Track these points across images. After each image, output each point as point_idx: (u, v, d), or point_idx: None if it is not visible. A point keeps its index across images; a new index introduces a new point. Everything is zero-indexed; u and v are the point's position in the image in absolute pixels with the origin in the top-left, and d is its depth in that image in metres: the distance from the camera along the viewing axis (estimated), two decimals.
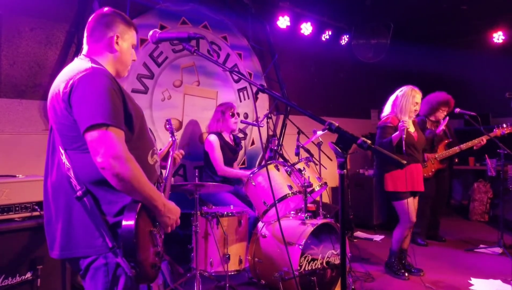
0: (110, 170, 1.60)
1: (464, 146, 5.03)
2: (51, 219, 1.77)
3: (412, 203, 4.02)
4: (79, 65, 1.76)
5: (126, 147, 1.65)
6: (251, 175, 3.64)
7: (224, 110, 4.43)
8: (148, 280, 1.75)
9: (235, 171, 4.36)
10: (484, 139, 4.94)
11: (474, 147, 5.01)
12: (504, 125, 4.95)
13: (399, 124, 3.84)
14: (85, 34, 1.91)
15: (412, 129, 4.08)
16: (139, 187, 1.66)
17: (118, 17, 1.91)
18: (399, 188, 3.96)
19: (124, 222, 1.65)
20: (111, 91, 1.67)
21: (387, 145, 3.91)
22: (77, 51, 3.82)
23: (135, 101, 1.88)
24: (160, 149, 2.47)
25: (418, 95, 4.05)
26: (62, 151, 1.73)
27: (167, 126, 2.89)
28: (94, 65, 1.75)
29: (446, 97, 5.14)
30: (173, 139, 2.69)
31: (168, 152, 2.49)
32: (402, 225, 4.06)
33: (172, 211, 1.84)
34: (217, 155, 4.28)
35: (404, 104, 4.02)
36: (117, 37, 1.88)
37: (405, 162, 1.37)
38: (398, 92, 4.11)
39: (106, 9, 1.94)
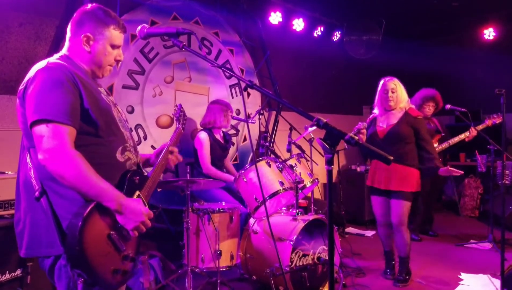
0: (49, 166, 1.59)
1: (451, 141, 4.94)
2: (20, 218, 1.75)
3: None
4: (42, 62, 1.76)
5: (70, 144, 1.62)
6: (243, 172, 3.64)
7: (226, 110, 4.45)
8: (108, 287, 1.67)
9: (220, 173, 4.34)
10: (473, 130, 4.83)
11: (466, 139, 4.88)
12: (495, 115, 4.90)
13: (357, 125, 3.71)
14: (68, 29, 1.91)
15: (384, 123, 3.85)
16: (84, 185, 1.61)
17: (96, 15, 1.85)
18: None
19: (68, 228, 1.59)
20: (62, 85, 1.64)
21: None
22: None
23: (101, 96, 1.83)
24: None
25: (390, 83, 3.81)
26: (27, 151, 1.74)
27: (173, 113, 2.61)
28: (55, 60, 1.75)
29: (430, 92, 5.07)
30: (177, 126, 2.45)
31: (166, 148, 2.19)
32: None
33: (134, 211, 1.69)
34: (205, 153, 4.29)
35: (377, 96, 3.92)
36: (87, 37, 1.83)
37: (391, 158, 1.38)
38: None
39: (89, 6, 1.90)
